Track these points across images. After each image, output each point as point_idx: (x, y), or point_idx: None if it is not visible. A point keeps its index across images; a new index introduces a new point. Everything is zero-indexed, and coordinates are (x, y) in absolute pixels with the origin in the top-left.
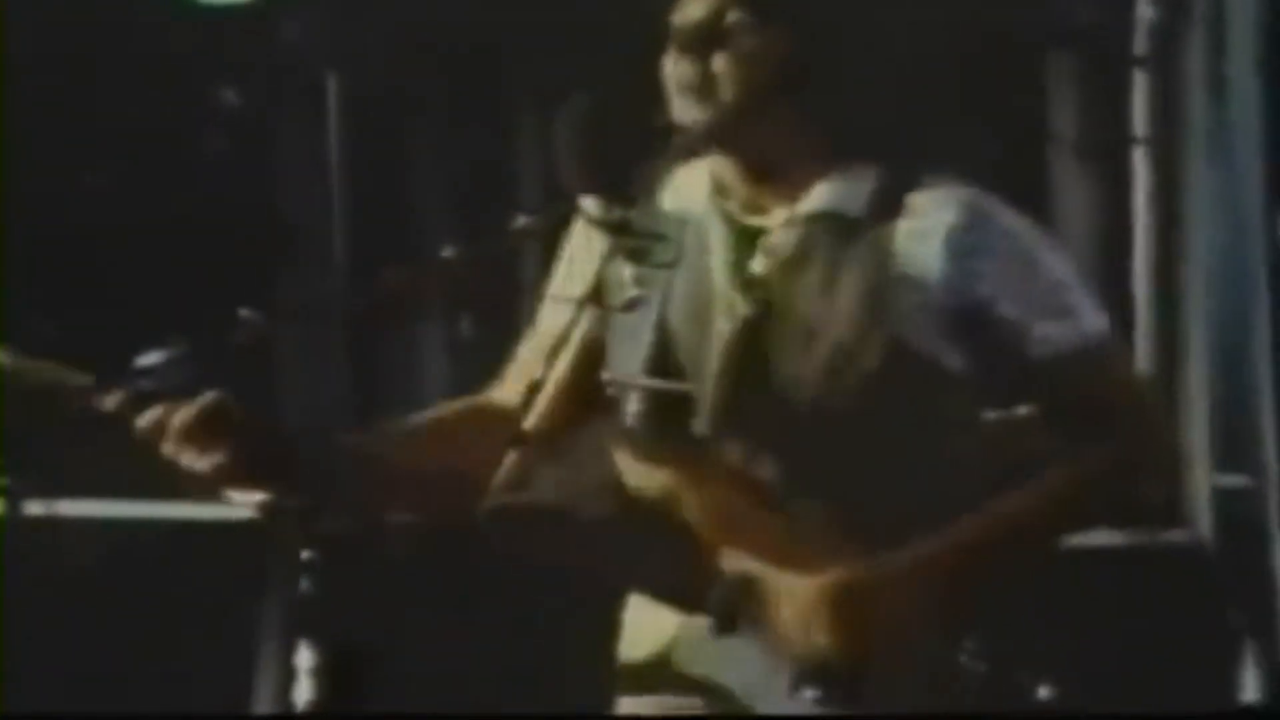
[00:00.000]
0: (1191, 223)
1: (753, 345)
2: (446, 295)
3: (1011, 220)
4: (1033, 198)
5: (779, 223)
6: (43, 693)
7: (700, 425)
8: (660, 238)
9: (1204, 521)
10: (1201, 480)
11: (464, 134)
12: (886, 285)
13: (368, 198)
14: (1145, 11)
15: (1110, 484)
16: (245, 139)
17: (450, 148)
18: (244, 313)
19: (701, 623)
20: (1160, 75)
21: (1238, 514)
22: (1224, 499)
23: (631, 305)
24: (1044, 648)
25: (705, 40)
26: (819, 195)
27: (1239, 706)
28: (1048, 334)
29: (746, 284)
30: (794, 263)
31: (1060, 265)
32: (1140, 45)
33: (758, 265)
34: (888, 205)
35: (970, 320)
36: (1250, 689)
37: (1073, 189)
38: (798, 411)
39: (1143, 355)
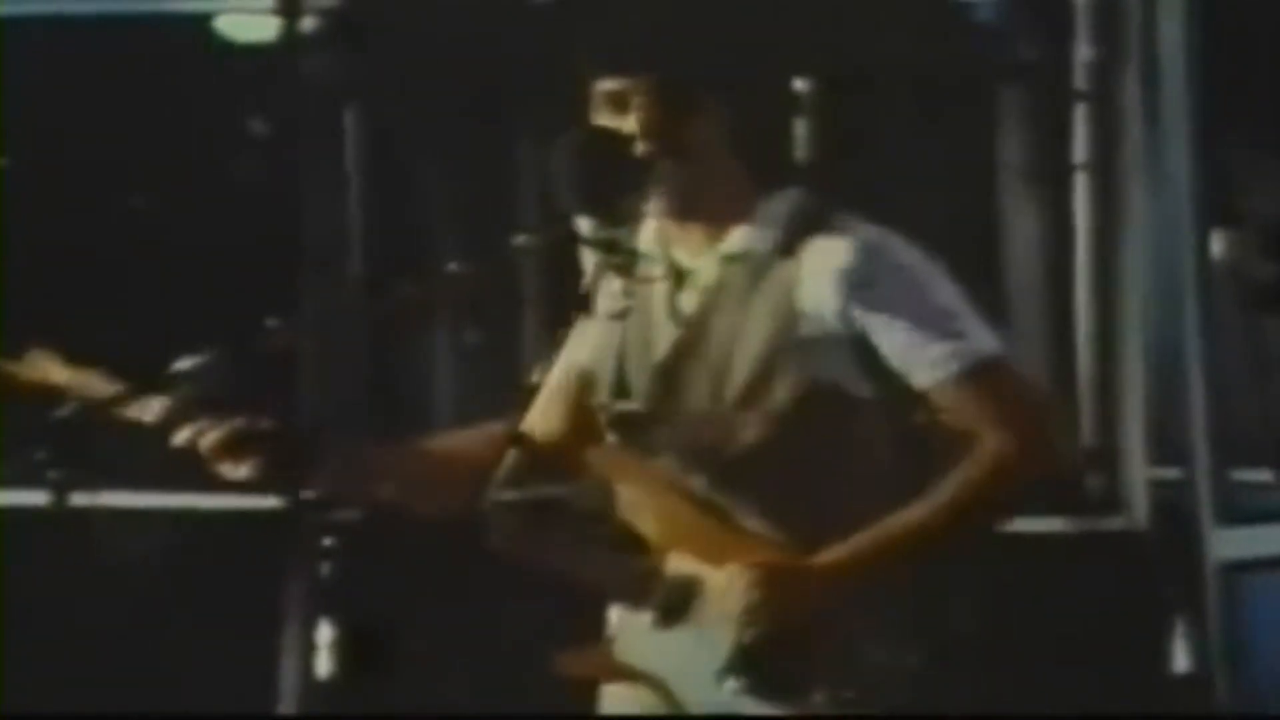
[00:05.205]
0: (1129, 240)
1: (678, 372)
2: (453, 306)
3: (903, 256)
4: (985, 219)
5: (705, 262)
6: (88, 666)
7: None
8: (644, 255)
9: (1140, 510)
10: (1138, 472)
11: (469, 160)
12: (791, 318)
13: (382, 217)
14: (1084, 51)
15: (1007, 482)
16: (272, 164)
17: (457, 173)
18: (270, 322)
19: (640, 616)
20: (1099, 108)
21: (1171, 503)
22: (1158, 489)
23: (621, 315)
24: (993, 621)
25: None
26: (736, 237)
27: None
28: (938, 357)
29: (676, 318)
30: (714, 299)
31: (948, 294)
32: (1080, 81)
33: (686, 302)
34: (791, 245)
35: (868, 348)
36: (1180, 660)
37: (1021, 211)
38: (720, 432)
39: (1085, 360)
